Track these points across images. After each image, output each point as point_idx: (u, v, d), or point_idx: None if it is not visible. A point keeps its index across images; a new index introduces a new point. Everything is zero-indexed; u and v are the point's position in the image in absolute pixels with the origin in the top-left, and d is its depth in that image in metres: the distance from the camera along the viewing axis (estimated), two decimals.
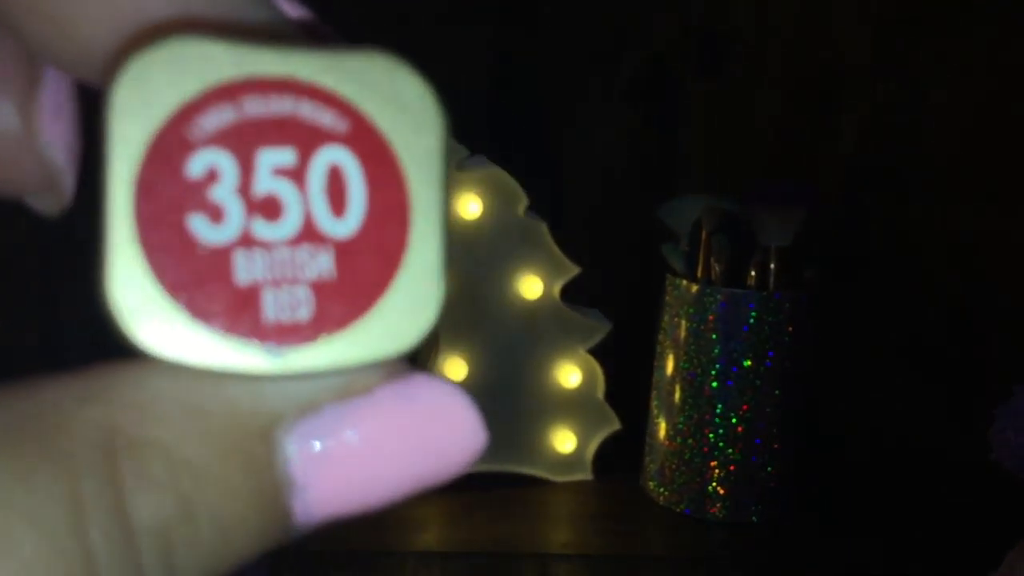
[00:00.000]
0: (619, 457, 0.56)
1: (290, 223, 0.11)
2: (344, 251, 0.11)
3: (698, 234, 0.53)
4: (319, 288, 0.11)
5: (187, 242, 0.11)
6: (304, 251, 0.11)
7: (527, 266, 0.54)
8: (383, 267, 0.11)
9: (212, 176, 0.11)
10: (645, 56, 0.63)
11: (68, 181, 0.13)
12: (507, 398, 0.55)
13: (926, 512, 0.55)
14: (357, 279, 0.11)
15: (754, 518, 0.53)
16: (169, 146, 0.11)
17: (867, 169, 0.63)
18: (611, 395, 0.56)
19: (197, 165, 0.11)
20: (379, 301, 0.11)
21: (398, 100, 0.11)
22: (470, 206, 0.52)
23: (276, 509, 0.11)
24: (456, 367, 0.54)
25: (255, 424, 0.11)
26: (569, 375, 0.55)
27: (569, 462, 0.56)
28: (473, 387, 0.53)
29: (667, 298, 0.54)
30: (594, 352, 0.55)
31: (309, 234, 0.11)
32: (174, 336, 0.11)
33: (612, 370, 0.56)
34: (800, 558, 0.51)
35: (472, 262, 0.53)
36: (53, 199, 0.13)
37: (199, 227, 0.11)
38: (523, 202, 0.53)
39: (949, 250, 0.63)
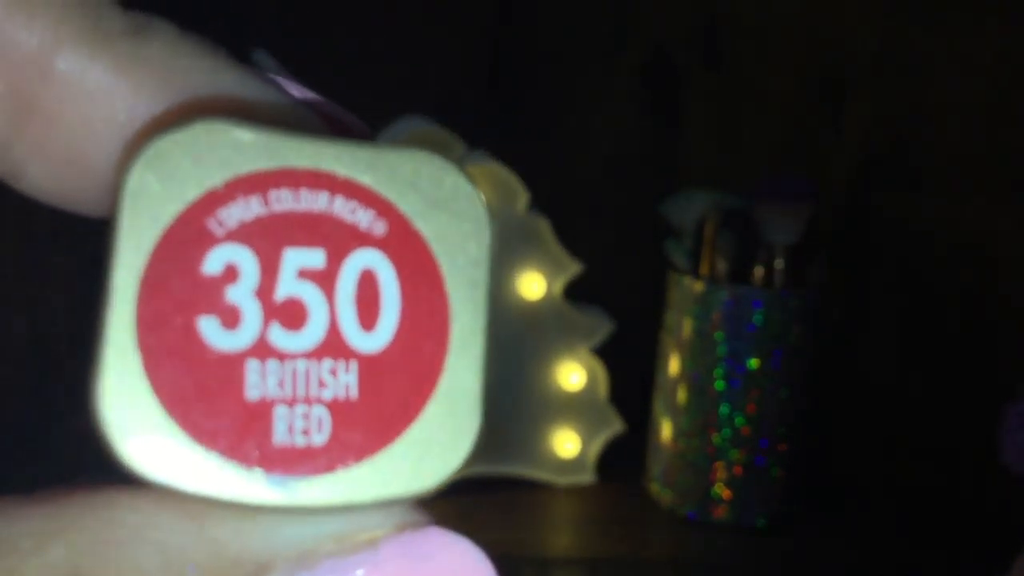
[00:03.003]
0: (622, 459, 0.55)
1: (312, 333, 0.10)
2: (371, 369, 0.10)
3: (702, 231, 0.52)
4: (339, 409, 0.10)
5: (193, 348, 0.09)
6: (325, 366, 0.10)
7: (528, 264, 0.53)
8: (414, 390, 0.10)
9: (230, 275, 0.09)
10: (648, 49, 0.62)
11: None
12: (508, 399, 0.54)
13: (936, 516, 0.54)
14: (383, 402, 0.10)
15: (760, 521, 0.52)
16: (185, 238, 0.09)
17: (876, 164, 0.62)
18: (614, 396, 0.55)
19: (214, 262, 0.09)
20: (406, 430, 0.10)
21: (444, 203, 0.10)
22: None
23: None
24: None
25: (240, 573, 0.09)
26: (571, 375, 0.54)
27: (571, 464, 0.55)
28: None
29: (671, 296, 0.53)
30: (597, 352, 0.54)
31: (333, 347, 0.10)
32: (167, 457, 0.09)
33: (615, 370, 0.55)
34: (807, 562, 0.50)
35: None
36: None
37: (209, 331, 0.09)
38: (524, 198, 0.52)
39: (959, 247, 0.62)
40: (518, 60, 0.62)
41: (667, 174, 0.63)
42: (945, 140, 0.61)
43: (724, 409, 0.51)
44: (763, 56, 0.62)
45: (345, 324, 0.10)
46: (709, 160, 0.63)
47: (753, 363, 0.51)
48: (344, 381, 0.10)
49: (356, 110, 0.12)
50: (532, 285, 0.53)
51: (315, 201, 0.10)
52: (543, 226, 0.52)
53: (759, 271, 0.51)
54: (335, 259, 0.10)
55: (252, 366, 0.10)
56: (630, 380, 0.55)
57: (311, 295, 0.10)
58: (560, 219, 0.53)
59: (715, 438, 0.52)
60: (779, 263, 0.51)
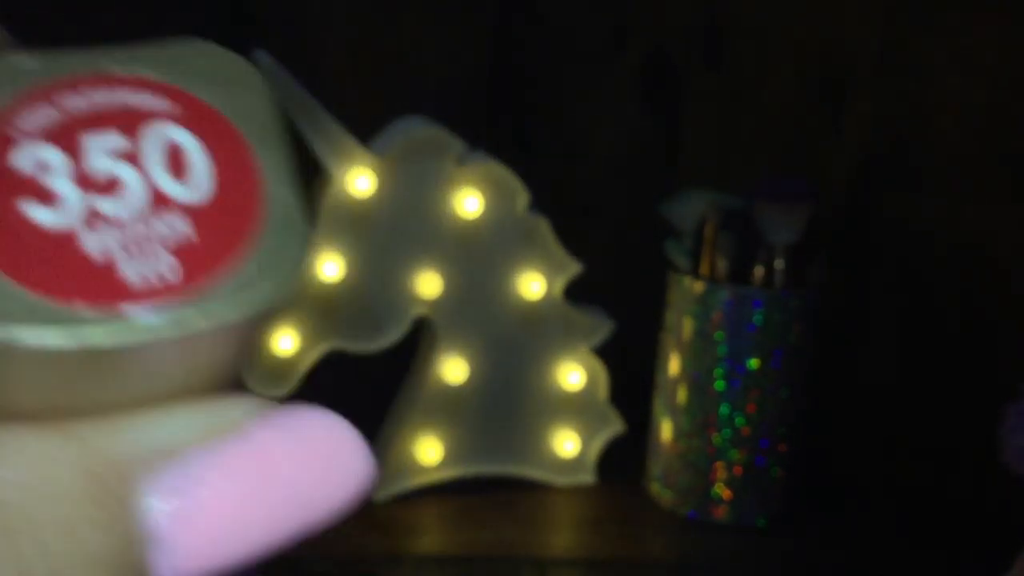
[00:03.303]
0: (622, 459, 0.55)
1: (136, 198, 0.11)
2: (201, 215, 0.11)
3: (702, 231, 0.52)
4: (183, 251, 0.11)
5: (25, 228, 0.10)
6: (159, 221, 0.11)
7: (528, 264, 0.53)
8: (244, 222, 0.11)
9: (42, 168, 0.11)
10: (648, 49, 0.62)
11: None
12: (508, 399, 0.54)
13: (936, 516, 0.54)
14: (220, 236, 0.11)
15: (760, 521, 0.52)
16: None
17: (876, 164, 0.62)
18: (614, 396, 0.55)
19: (24, 160, 0.10)
20: (248, 248, 0.11)
21: (221, 78, 0.12)
22: (470, 203, 0.51)
23: (137, 570, 0.10)
24: (456, 367, 0.53)
25: (111, 474, 0.10)
26: (571, 375, 0.54)
27: (571, 464, 0.55)
28: (473, 387, 0.52)
29: (671, 296, 0.53)
30: (597, 352, 0.54)
31: (159, 204, 0.11)
32: (33, 325, 0.10)
33: (615, 370, 0.55)
34: (807, 562, 0.50)
35: (472, 260, 0.52)
36: None
37: (36, 213, 0.10)
38: (524, 199, 0.52)
39: (959, 247, 0.62)
40: (518, 60, 0.62)
41: (667, 174, 0.63)
42: (945, 140, 0.61)
43: (724, 409, 0.51)
44: (763, 56, 0.62)
45: (163, 183, 0.11)
46: (709, 160, 0.63)
47: (753, 363, 0.51)
48: (180, 228, 0.11)
49: (356, 110, 0.12)
50: (532, 285, 0.53)
51: (105, 96, 0.11)
52: (543, 226, 0.52)
53: (759, 271, 0.51)
54: (134, 135, 0.11)
55: (86, 232, 0.11)
56: (630, 380, 0.55)
57: (123, 170, 0.11)
58: (560, 219, 0.53)
59: (715, 438, 0.52)
60: (779, 263, 0.51)
